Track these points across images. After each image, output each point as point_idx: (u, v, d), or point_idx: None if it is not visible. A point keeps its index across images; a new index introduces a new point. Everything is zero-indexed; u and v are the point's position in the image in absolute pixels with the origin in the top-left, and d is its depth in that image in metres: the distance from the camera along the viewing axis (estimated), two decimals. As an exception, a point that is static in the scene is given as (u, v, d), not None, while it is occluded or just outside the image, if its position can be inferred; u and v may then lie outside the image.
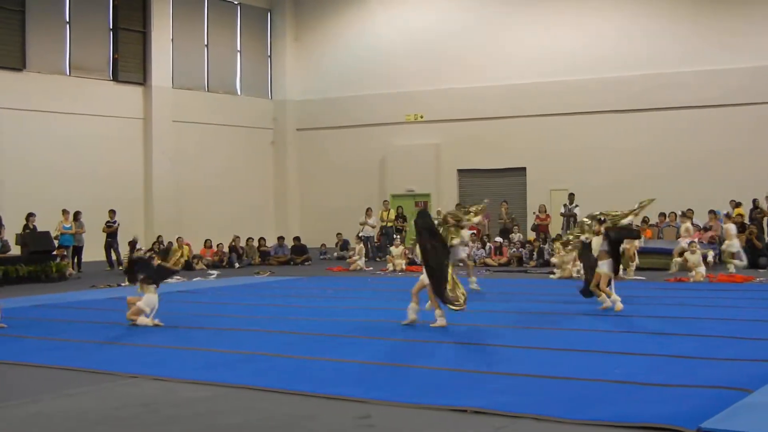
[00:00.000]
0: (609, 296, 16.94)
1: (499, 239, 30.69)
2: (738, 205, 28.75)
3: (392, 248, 29.79)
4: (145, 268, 16.18)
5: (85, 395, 10.14)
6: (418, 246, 15.78)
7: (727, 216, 27.77)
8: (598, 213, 19.03)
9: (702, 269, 23.19)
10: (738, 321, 15.31)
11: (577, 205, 30.63)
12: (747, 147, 31.37)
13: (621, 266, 19.53)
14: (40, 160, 31.62)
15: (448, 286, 14.73)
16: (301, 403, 9.46)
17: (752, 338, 13.16)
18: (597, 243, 17.53)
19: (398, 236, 30.95)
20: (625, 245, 24.24)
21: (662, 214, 29.79)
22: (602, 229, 17.47)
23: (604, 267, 17.03)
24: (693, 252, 23.56)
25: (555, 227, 31.36)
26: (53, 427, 8.80)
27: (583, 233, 18.93)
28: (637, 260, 24.60)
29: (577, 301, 18.02)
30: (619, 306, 16.65)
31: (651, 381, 9.97)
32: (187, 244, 30.74)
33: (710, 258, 24.97)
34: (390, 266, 28.70)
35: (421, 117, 37.26)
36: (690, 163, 32.00)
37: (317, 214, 38.55)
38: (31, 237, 27.32)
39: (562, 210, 30.99)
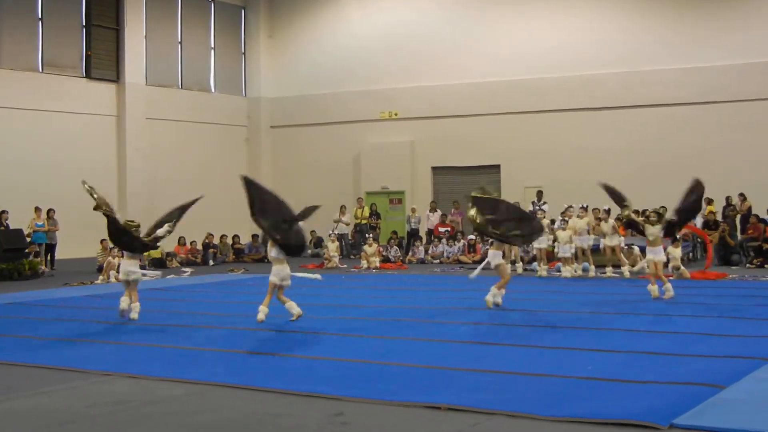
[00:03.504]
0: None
1: (472, 236, 30.70)
2: (710, 202, 28.88)
3: (365, 246, 29.86)
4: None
5: (57, 393, 10.09)
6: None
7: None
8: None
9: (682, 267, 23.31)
10: (710, 318, 15.40)
11: (545, 202, 30.72)
12: (722, 144, 31.49)
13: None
14: (13, 156, 31.45)
15: None
16: (274, 401, 9.44)
17: (724, 335, 13.23)
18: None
19: (371, 234, 30.99)
20: (607, 243, 24.45)
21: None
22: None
23: (493, 259, 17.21)
24: (677, 246, 23.60)
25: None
26: (25, 426, 8.74)
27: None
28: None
29: (546, 299, 18.09)
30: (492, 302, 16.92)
31: (624, 378, 10.01)
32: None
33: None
34: (364, 263, 28.72)
35: (396, 114, 37.27)
36: (665, 160, 32.06)
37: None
38: (3, 235, 27.17)
39: (531, 208, 30.94)
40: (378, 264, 28.89)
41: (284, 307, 15.44)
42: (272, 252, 15.54)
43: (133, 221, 16.87)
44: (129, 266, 16.44)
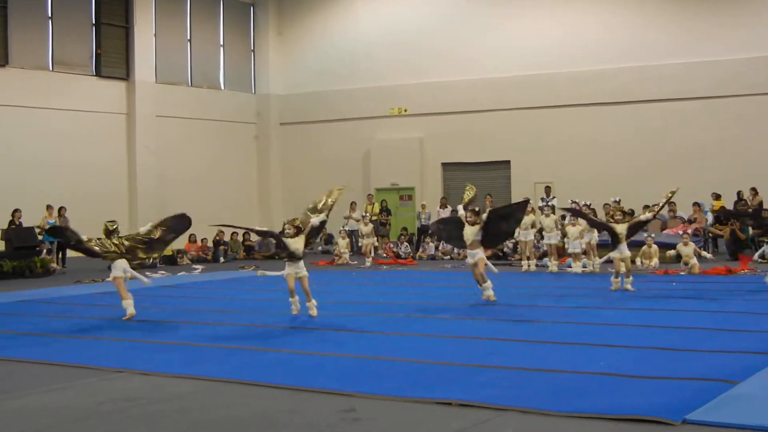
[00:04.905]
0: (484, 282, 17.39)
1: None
2: (718, 197, 28.83)
3: (361, 226, 29.81)
4: None
5: (69, 390, 10.10)
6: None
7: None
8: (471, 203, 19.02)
9: (695, 260, 23.26)
10: (723, 313, 15.34)
11: (554, 197, 30.67)
12: (731, 139, 31.42)
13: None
14: (24, 155, 31.52)
15: None
16: (285, 397, 9.43)
17: (737, 330, 13.19)
18: (471, 232, 17.58)
19: (367, 214, 31.01)
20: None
21: (646, 206, 29.78)
22: (480, 218, 17.51)
23: (476, 256, 17.25)
24: (686, 244, 23.60)
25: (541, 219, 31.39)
26: (37, 422, 8.75)
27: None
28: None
29: (557, 294, 18.06)
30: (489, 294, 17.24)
31: (636, 373, 9.97)
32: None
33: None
34: (368, 261, 28.63)
35: (405, 111, 37.26)
36: (674, 155, 32.04)
37: (301, 208, 37.92)
38: (15, 232, 27.26)
39: (540, 204, 30.87)
40: (372, 260, 28.73)
41: (290, 300, 15.74)
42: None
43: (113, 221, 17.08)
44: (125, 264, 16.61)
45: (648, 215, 20.24)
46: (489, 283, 17.35)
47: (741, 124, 31.48)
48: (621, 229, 18.99)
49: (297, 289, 15.75)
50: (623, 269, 19.05)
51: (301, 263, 15.71)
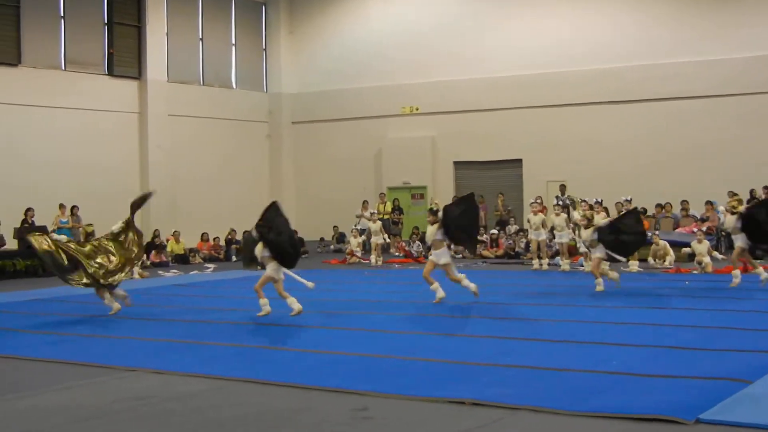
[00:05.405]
0: (431, 284, 17.53)
1: (494, 231, 30.64)
2: (734, 195, 28.68)
3: (370, 224, 29.73)
4: None
5: (80, 389, 10.11)
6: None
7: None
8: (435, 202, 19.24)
9: (708, 259, 23.19)
10: (736, 312, 15.30)
11: (568, 196, 30.59)
12: (742, 137, 31.25)
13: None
14: (37, 154, 31.53)
15: None
16: (297, 396, 9.43)
17: (751, 329, 13.15)
18: (431, 232, 17.76)
19: (373, 211, 30.98)
20: None
21: (659, 205, 29.79)
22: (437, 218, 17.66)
23: (442, 257, 17.31)
24: (700, 242, 23.52)
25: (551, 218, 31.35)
26: (48, 421, 8.76)
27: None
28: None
29: (569, 293, 18.01)
30: (441, 294, 17.33)
31: (649, 372, 9.95)
32: (169, 238, 30.96)
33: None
34: (373, 259, 28.57)
35: (417, 109, 37.20)
36: (686, 153, 31.91)
37: (313, 207, 38.45)
38: (27, 231, 27.30)
39: (555, 202, 30.82)
40: (381, 258, 28.70)
41: (286, 302, 15.77)
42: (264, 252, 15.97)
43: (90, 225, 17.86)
44: None
45: (606, 220, 20.63)
46: (463, 282, 17.46)
47: (750, 122, 31.30)
48: (586, 235, 19.50)
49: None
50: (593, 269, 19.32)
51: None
